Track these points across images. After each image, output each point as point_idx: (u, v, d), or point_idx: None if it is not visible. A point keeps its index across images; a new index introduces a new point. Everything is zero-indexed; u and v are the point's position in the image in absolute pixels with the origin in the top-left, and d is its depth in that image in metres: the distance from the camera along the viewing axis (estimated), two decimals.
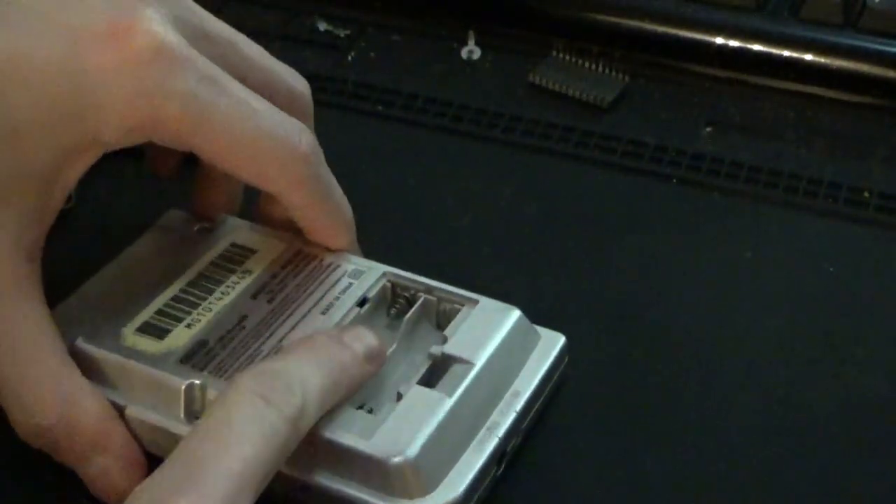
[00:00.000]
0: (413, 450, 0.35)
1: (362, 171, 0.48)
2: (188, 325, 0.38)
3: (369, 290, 0.40)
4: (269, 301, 0.39)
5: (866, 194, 0.47)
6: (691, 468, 0.38)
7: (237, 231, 0.42)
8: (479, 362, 0.37)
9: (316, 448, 0.35)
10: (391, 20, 0.57)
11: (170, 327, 0.38)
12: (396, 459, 0.34)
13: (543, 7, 0.55)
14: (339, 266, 0.41)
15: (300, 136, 0.38)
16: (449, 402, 0.36)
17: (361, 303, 0.39)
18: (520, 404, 0.38)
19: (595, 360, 0.41)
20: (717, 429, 0.39)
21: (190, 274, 0.40)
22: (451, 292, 0.40)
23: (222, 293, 0.40)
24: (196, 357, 0.37)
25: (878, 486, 0.37)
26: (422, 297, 0.40)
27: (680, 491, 0.37)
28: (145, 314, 0.39)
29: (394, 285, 0.40)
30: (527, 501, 0.37)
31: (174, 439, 0.35)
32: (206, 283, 0.40)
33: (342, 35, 0.56)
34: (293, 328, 0.38)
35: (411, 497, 0.35)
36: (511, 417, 0.37)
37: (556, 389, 0.39)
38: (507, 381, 0.38)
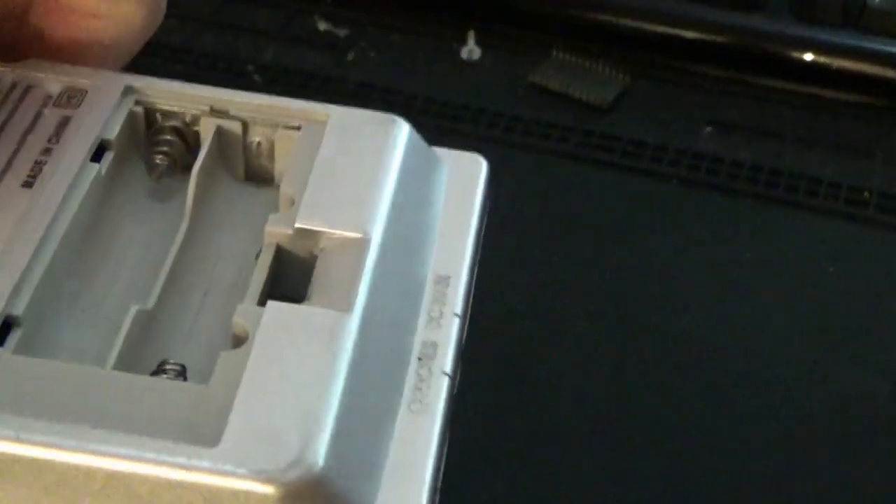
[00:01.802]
0: (316, 449, 0.19)
1: None
2: None
3: (107, 125, 0.23)
4: None
5: (866, 194, 0.47)
6: (690, 468, 0.38)
7: None
8: (374, 231, 0.22)
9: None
10: (391, 20, 0.57)
11: None
12: (293, 476, 0.18)
13: (543, 7, 0.55)
14: (34, 86, 0.24)
15: None
16: (350, 322, 0.20)
17: (98, 152, 0.23)
18: (458, 296, 0.23)
19: (594, 360, 0.41)
20: (716, 429, 0.39)
21: None
22: (266, 105, 0.24)
23: None
24: None
25: (877, 486, 0.37)
26: (213, 123, 0.24)
27: (679, 491, 0.37)
28: None
29: (149, 111, 0.24)
30: (526, 501, 0.37)
31: None
32: None
33: (342, 35, 0.56)
34: None
35: None
36: (453, 328, 0.22)
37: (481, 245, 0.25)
38: (421, 256, 0.23)
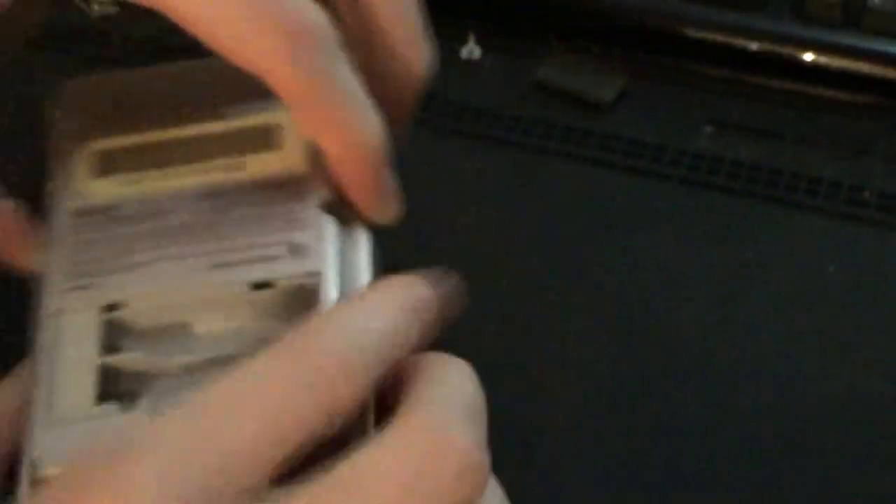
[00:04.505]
0: None
1: None
2: (130, 182, 0.32)
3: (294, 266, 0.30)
4: (205, 213, 0.31)
5: (866, 194, 0.47)
6: (691, 468, 0.38)
7: (276, 110, 0.32)
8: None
9: None
10: None
11: (116, 169, 0.32)
12: None
13: (544, 7, 0.55)
14: (308, 215, 0.31)
15: (305, 7, 0.29)
16: None
17: (264, 286, 0.30)
18: None
19: (594, 360, 0.41)
20: (716, 428, 0.39)
21: (182, 126, 0.33)
22: None
23: (181, 173, 0.32)
24: (92, 216, 0.31)
25: (877, 486, 0.37)
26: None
27: (680, 490, 0.37)
28: (106, 142, 0.32)
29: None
30: (525, 501, 0.37)
31: None
32: (186, 147, 0.32)
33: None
34: (180, 271, 0.30)
35: None
36: None
37: None
38: None
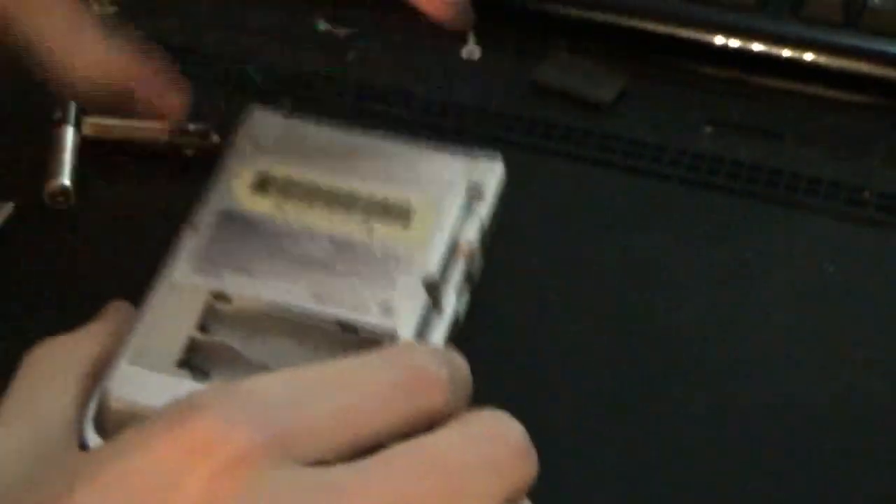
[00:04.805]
0: None
1: None
2: (278, 206, 0.37)
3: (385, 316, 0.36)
4: (326, 253, 0.37)
5: (866, 194, 0.47)
6: (691, 467, 0.38)
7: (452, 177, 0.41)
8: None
9: None
10: (391, 20, 0.57)
11: (271, 191, 0.38)
12: None
13: (544, 6, 0.55)
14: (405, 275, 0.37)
15: None
16: None
17: (348, 327, 0.36)
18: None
19: (593, 361, 0.41)
20: (717, 429, 0.39)
21: (338, 178, 0.38)
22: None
23: (321, 215, 0.38)
24: (236, 220, 0.37)
25: (877, 486, 0.37)
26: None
27: (680, 490, 0.37)
28: (271, 167, 0.38)
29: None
30: None
31: None
32: (334, 196, 0.38)
33: (342, 35, 0.56)
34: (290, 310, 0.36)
35: None
36: None
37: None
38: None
